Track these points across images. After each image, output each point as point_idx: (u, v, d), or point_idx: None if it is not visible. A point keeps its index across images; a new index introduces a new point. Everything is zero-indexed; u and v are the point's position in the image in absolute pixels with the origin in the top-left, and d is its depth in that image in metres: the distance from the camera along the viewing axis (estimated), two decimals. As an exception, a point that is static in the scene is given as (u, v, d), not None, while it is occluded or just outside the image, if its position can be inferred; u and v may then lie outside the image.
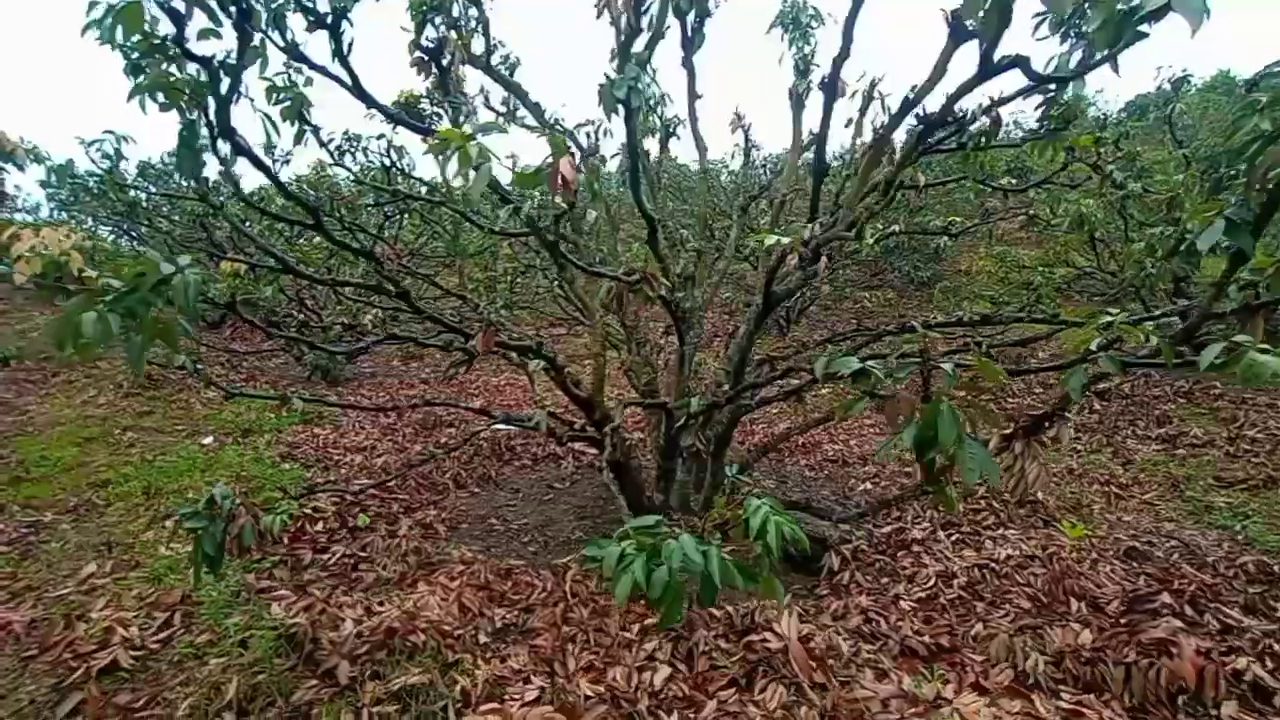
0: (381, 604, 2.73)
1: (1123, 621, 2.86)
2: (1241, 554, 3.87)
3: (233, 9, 1.82)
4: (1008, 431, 2.78)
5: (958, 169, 4.94)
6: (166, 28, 2.00)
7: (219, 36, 1.90)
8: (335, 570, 3.29)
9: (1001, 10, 1.43)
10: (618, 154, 5.53)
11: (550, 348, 3.71)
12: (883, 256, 9.31)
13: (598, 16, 2.87)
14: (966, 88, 1.95)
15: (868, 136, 4.89)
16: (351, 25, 2.76)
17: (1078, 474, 5.74)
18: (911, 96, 2.92)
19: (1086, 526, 4.37)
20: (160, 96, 1.87)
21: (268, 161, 2.33)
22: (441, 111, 5.11)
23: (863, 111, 4.60)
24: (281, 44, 2.86)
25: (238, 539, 2.18)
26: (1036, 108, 3.38)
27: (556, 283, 5.91)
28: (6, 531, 3.65)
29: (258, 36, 2.60)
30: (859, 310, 8.62)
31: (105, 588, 2.93)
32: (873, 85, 4.35)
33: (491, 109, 4.87)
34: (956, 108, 2.39)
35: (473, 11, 3.85)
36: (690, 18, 3.46)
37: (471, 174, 1.77)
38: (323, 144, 4.07)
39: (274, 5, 2.70)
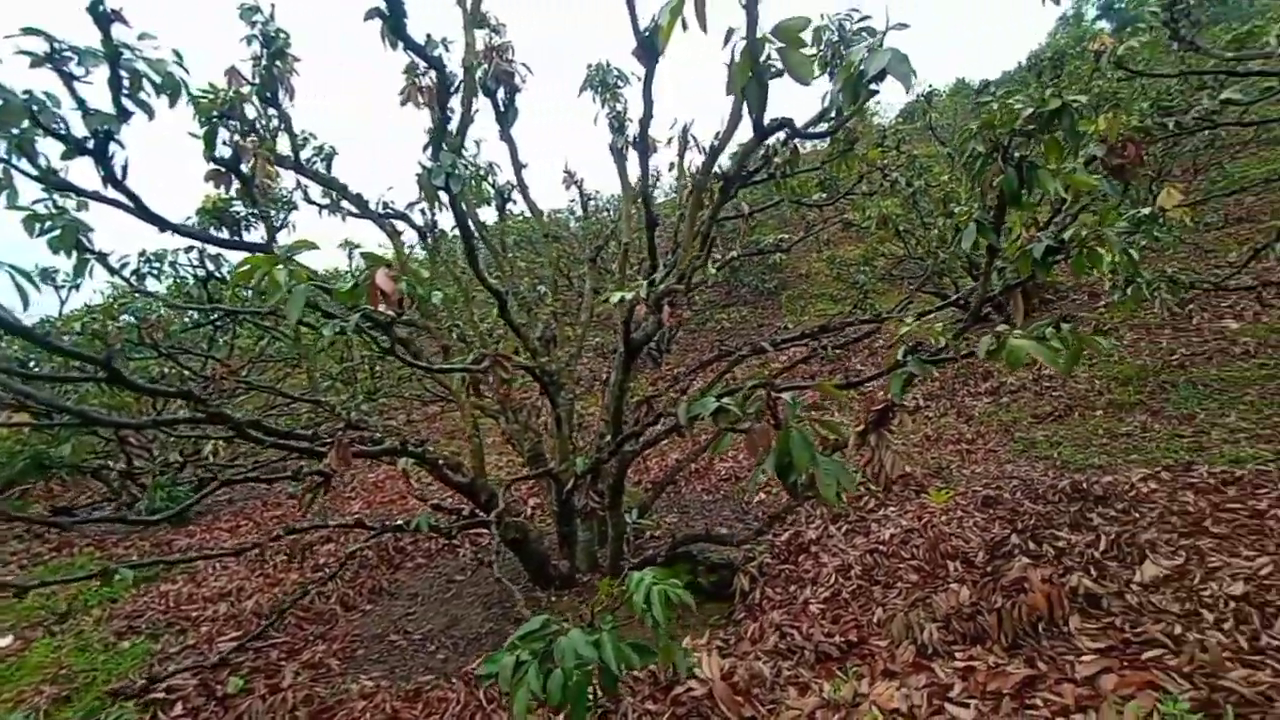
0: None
1: (988, 570, 3.22)
2: (1060, 478, 4.53)
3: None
4: (861, 428, 3.07)
5: (776, 193, 5.47)
6: None
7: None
8: (207, 757, 2.83)
9: (760, 85, 1.62)
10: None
11: (423, 435, 3.53)
12: (731, 276, 10.01)
13: (402, 105, 2.86)
14: (749, 149, 2.19)
15: (690, 175, 5.23)
16: (123, 147, 2.52)
17: (934, 439, 6.44)
18: (716, 144, 3.21)
19: (948, 487, 4.90)
20: None
21: (27, 319, 2.03)
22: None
23: (681, 155, 4.95)
24: (35, 173, 2.55)
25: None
26: (826, 135, 3.64)
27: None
28: None
29: None
30: (720, 330, 9.16)
31: None
32: (685, 131, 4.71)
33: (312, 202, 4.64)
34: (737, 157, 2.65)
35: (273, 110, 3.68)
36: (500, 95, 3.55)
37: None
38: (114, 270, 3.62)
39: (16, 134, 2.40)
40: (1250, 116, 4.96)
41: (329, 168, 4.38)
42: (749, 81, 1.58)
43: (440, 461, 3.78)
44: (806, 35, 1.59)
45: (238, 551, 3.60)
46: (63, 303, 4.01)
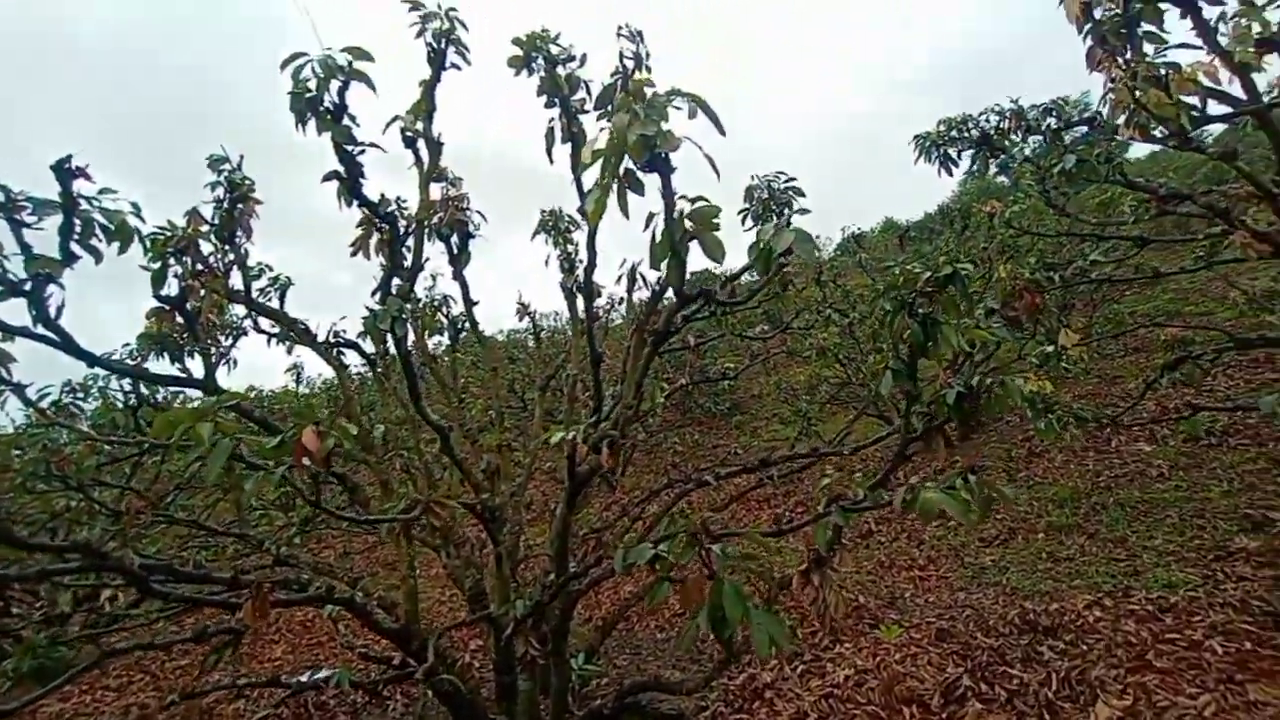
0: None
1: (943, 717, 3.10)
2: (1010, 606, 4.53)
3: None
4: (804, 567, 3.05)
5: (719, 327, 5.79)
6: None
7: None
8: None
9: (680, 263, 1.79)
10: (414, 351, 5.54)
11: (359, 568, 3.27)
12: (686, 398, 10.24)
13: (353, 255, 3.00)
14: (672, 311, 2.38)
15: (637, 312, 5.45)
16: (62, 288, 2.53)
17: (887, 565, 6.38)
18: (657, 288, 3.44)
19: (901, 618, 4.81)
20: None
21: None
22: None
23: (629, 292, 5.22)
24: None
25: None
26: (742, 303, 3.84)
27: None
28: None
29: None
30: (675, 452, 9.23)
31: None
32: (633, 270, 5.01)
33: (262, 331, 4.66)
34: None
35: (229, 247, 3.79)
36: (454, 240, 3.77)
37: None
38: (30, 403, 3.47)
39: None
40: (1128, 264, 5.69)
41: (283, 298, 4.44)
42: (670, 259, 1.75)
43: (371, 606, 3.52)
44: (728, 208, 1.80)
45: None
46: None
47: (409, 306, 2.66)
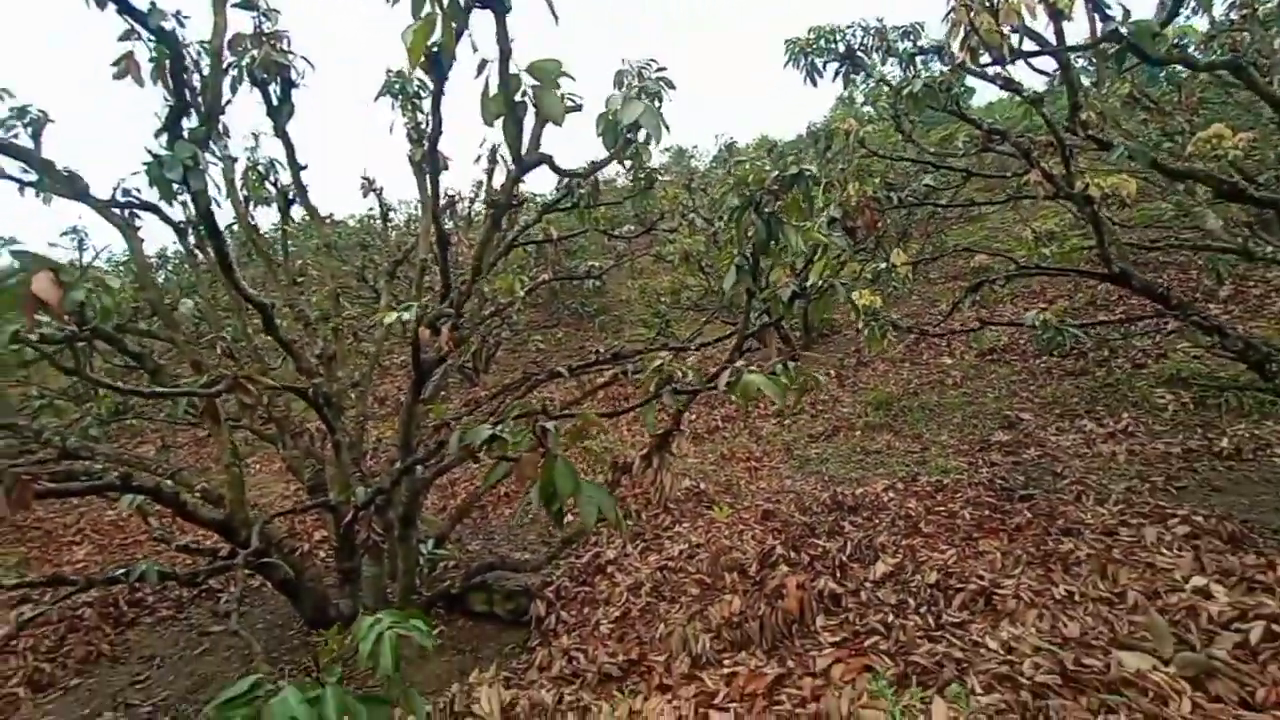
0: None
1: (758, 580, 3.57)
2: (824, 491, 5.22)
3: None
4: (645, 452, 3.24)
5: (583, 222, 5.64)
6: None
7: None
8: None
9: (517, 123, 1.65)
10: (233, 223, 4.81)
11: (183, 461, 2.93)
12: (553, 299, 10.08)
13: (117, 78, 2.40)
14: (512, 182, 2.23)
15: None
16: None
17: (728, 457, 7.03)
18: (514, 171, 3.22)
19: (734, 502, 5.38)
20: None
21: None
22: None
23: (489, 173, 4.88)
24: None
25: None
26: (585, 174, 3.68)
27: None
28: None
29: None
30: (539, 350, 9.18)
31: None
32: (494, 150, 4.66)
33: (9, 177, 3.75)
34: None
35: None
36: (274, 88, 3.20)
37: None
38: None
39: None
40: (960, 195, 6.34)
41: (37, 137, 3.57)
42: (506, 122, 1.60)
43: (188, 497, 3.21)
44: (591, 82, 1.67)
45: None
46: None
47: (207, 156, 2.23)
